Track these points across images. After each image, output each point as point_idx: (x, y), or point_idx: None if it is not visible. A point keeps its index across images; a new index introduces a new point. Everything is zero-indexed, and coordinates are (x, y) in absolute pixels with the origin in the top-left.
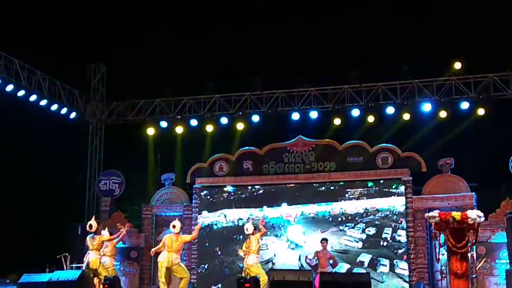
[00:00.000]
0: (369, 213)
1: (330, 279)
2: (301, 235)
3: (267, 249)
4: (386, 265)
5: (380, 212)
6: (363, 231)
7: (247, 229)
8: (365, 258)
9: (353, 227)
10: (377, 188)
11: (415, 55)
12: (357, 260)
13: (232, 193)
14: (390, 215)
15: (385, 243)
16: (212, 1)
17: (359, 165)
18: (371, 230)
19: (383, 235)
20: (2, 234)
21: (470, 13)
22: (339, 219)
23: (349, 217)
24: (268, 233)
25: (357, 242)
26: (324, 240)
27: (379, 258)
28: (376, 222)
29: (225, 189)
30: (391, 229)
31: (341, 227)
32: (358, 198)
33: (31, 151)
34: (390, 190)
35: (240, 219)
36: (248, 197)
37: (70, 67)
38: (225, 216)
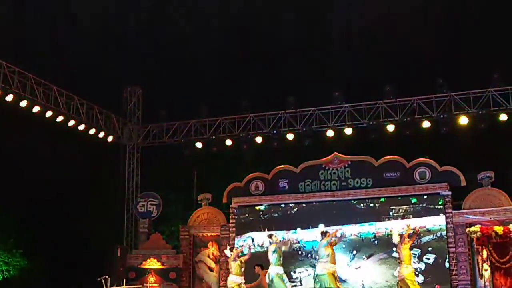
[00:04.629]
0: (419, 235)
1: None
2: (345, 266)
3: (301, 285)
4: None
5: (431, 233)
6: (420, 259)
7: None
8: None
9: None
10: (422, 205)
11: (450, 68)
12: None
13: (264, 212)
14: (444, 236)
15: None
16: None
17: (396, 181)
18: (430, 258)
19: (446, 264)
20: (43, 257)
21: (506, 23)
22: (387, 242)
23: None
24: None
25: (417, 275)
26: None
27: None
28: (432, 246)
29: (256, 208)
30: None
31: (392, 254)
32: (403, 217)
33: (69, 175)
34: (436, 206)
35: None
36: (281, 216)
37: (107, 91)
38: (252, 239)
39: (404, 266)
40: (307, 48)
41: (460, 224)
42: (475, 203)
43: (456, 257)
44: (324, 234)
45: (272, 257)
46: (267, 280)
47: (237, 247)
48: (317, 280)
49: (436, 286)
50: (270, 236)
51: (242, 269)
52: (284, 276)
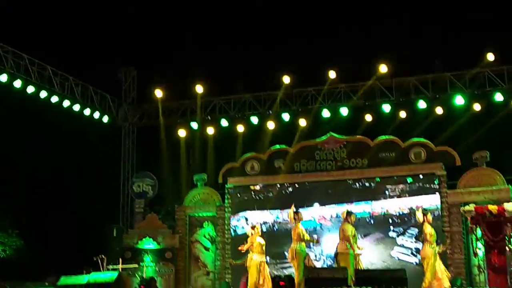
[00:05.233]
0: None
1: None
2: None
3: (290, 267)
4: None
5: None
6: (417, 238)
7: None
8: None
9: (403, 233)
10: (418, 184)
11: (446, 48)
12: None
13: (258, 193)
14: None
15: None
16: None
17: (391, 161)
18: None
19: None
20: (40, 238)
21: (501, 2)
22: (383, 221)
23: (395, 219)
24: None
25: (415, 255)
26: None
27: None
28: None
29: (251, 187)
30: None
31: (389, 234)
32: (399, 196)
33: (65, 156)
34: (432, 186)
35: (265, 222)
36: (275, 196)
37: (102, 72)
38: (246, 219)
39: (427, 244)
40: (303, 28)
41: (455, 203)
42: (470, 182)
43: (451, 236)
44: (349, 214)
45: (295, 235)
46: (290, 255)
47: (258, 226)
48: (338, 259)
49: None
50: (296, 213)
51: (264, 248)
52: (306, 252)
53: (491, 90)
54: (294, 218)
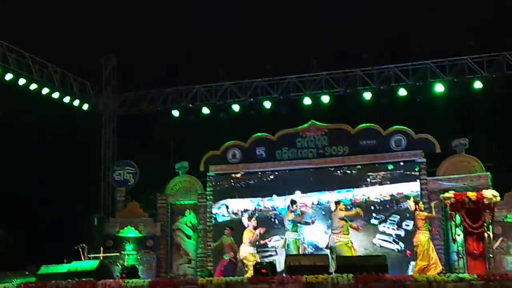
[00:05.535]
0: (397, 200)
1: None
2: (323, 234)
3: (276, 254)
4: None
5: (410, 199)
6: (399, 225)
7: None
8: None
9: (384, 220)
10: (399, 172)
11: (426, 36)
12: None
13: (239, 180)
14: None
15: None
16: None
17: (372, 148)
18: (410, 224)
19: None
20: (19, 226)
21: None
22: (364, 208)
23: (377, 207)
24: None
25: (396, 242)
26: (229, 228)
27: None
28: (411, 212)
29: (232, 175)
30: None
31: (370, 221)
32: (381, 183)
33: (45, 144)
34: (413, 173)
35: (246, 210)
36: (257, 184)
37: (82, 59)
38: (227, 207)
39: (421, 232)
40: (283, 16)
41: (435, 190)
42: (449, 169)
43: (430, 222)
44: (337, 203)
45: (288, 224)
46: (282, 244)
47: (255, 218)
48: (332, 251)
49: (408, 252)
50: (292, 202)
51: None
52: (300, 242)
53: (470, 78)
54: (288, 207)
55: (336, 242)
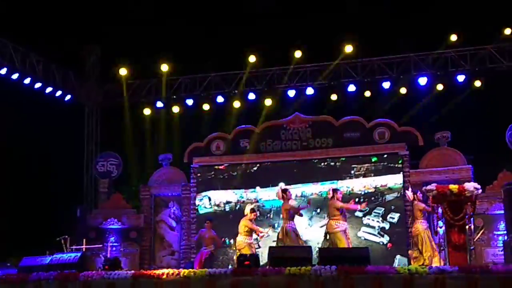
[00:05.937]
0: (382, 193)
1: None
2: (307, 226)
3: (259, 247)
4: None
5: (394, 192)
6: (384, 218)
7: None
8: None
9: (369, 213)
10: (383, 164)
11: (410, 29)
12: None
13: (223, 172)
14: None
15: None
16: None
17: (356, 141)
18: (394, 217)
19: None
20: (1, 218)
21: None
22: (348, 201)
23: (361, 199)
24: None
25: (382, 235)
26: (209, 221)
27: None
28: (395, 204)
29: (215, 167)
30: None
31: (355, 213)
32: (365, 175)
33: (26, 135)
34: (396, 165)
35: (229, 202)
36: (240, 176)
37: (65, 49)
38: (209, 198)
39: (419, 221)
40: (270, 7)
41: (417, 183)
42: (432, 162)
43: (413, 215)
44: (335, 191)
45: (285, 213)
46: (281, 233)
47: (255, 211)
48: (327, 238)
49: (388, 245)
50: (284, 191)
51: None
52: (298, 231)
53: (454, 71)
54: (283, 197)
55: (335, 228)
